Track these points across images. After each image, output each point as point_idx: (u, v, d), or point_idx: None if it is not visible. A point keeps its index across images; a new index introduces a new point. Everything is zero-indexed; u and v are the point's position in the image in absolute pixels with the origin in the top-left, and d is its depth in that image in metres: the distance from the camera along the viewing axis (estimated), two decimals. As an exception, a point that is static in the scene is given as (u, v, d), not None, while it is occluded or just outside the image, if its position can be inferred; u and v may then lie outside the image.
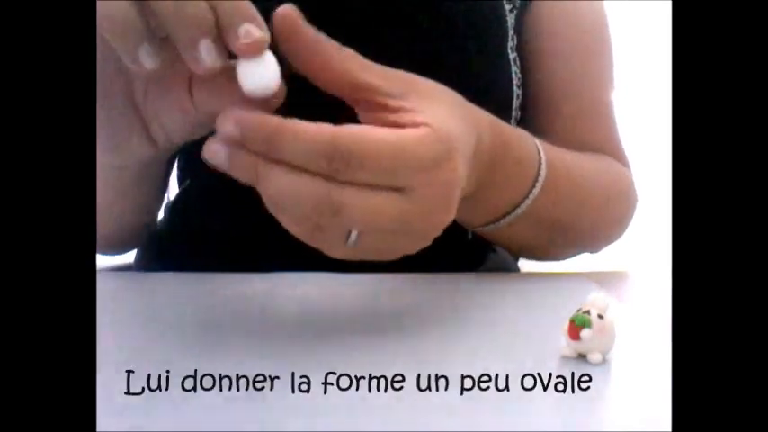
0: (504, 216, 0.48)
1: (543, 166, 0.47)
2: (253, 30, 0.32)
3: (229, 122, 0.32)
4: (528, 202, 0.47)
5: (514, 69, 0.58)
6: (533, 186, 0.47)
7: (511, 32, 0.58)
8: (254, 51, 0.32)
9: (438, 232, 0.37)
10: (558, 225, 0.52)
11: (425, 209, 0.35)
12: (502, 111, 0.56)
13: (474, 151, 0.40)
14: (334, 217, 0.32)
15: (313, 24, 0.55)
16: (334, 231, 0.34)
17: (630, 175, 0.62)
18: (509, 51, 0.58)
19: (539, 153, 0.48)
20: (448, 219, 0.37)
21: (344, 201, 0.32)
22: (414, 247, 0.36)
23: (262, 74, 0.33)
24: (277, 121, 0.32)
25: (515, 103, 0.58)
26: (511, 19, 0.58)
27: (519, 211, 0.47)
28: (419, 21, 0.54)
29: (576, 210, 0.53)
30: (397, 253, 0.36)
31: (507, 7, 0.58)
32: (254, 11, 0.32)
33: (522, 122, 0.61)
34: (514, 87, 0.57)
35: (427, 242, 0.37)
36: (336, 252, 0.35)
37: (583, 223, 0.55)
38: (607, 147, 0.61)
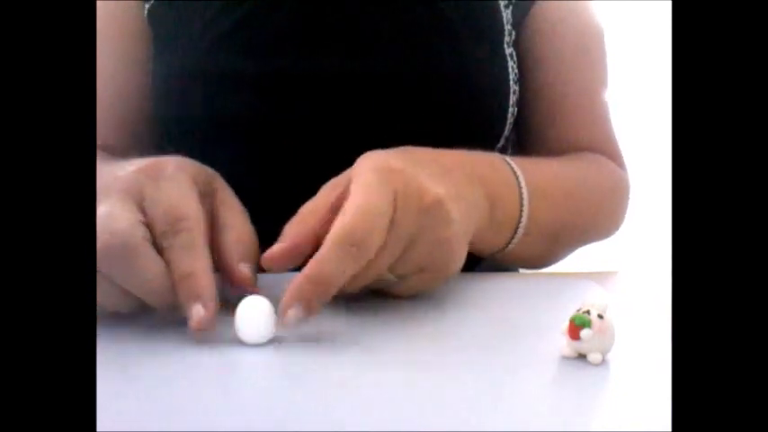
0: (508, 242, 0.48)
1: (523, 183, 0.48)
2: (199, 312, 0.34)
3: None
4: (523, 218, 0.47)
5: (511, 64, 0.58)
6: (521, 202, 0.47)
7: (508, 27, 0.58)
8: (200, 329, 0.34)
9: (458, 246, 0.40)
10: (556, 232, 0.52)
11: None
12: (498, 106, 0.56)
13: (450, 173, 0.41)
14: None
15: (306, 24, 0.55)
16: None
17: (622, 172, 0.62)
18: (505, 46, 0.58)
19: (513, 170, 0.48)
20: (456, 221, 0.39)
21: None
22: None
23: (257, 326, 0.34)
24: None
25: (512, 98, 0.58)
26: (507, 14, 0.58)
27: (520, 230, 0.48)
28: (413, 17, 0.54)
29: (570, 214, 0.53)
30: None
31: (503, 3, 0.58)
32: (207, 287, 0.34)
33: (519, 121, 0.61)
34: (511, 83, 0.57)
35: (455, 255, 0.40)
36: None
37: (578, 226, 0.55)
38: (602, 145, 0.62)
